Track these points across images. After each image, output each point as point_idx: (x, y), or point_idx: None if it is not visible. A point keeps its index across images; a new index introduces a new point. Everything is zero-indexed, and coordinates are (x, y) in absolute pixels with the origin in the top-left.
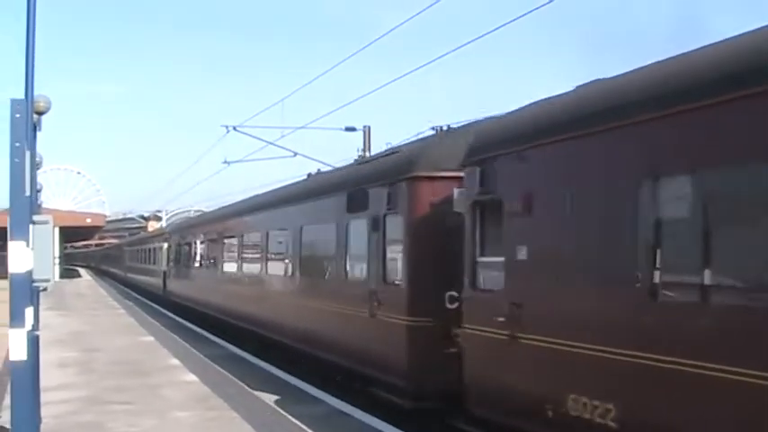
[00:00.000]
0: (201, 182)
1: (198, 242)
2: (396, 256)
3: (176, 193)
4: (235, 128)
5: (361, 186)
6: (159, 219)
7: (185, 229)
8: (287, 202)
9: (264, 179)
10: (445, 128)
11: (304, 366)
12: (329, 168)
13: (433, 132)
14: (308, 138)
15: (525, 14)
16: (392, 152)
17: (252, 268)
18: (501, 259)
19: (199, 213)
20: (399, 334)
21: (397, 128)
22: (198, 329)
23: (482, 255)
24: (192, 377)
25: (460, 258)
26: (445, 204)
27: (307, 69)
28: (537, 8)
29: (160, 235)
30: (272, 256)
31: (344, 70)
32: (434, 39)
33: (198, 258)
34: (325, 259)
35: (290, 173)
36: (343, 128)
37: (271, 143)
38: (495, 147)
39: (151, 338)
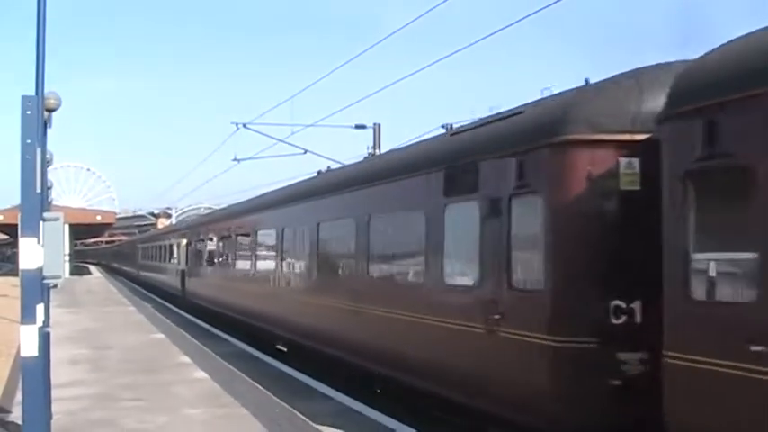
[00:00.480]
0: (211, 179)
1: (226, 238)
2: (529, 252)
3: (186, 190)
4: (245, 125)
5: (468, 160)
6: (169, 216)
7: (208, 224)
8: (348, 186)
9: (274, 177)
10: (456, 125)
11: (314, 364)
12: (339, 166)
13: (444, 131)
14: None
15: (533, 14)
16: (513, 113)
17: (297, 268)
18: (748, 256)
19: (209, 211)
20: (537, 358)
21: (407, 126)
22: (208, 327)
23: (702, 250)
24: (203, 374)
25: (633, 254)
26: (608, 180)
27: (317, 67)
28: (544, 8)
29: (177, 230)
30: (326, 252)
31: (354, 68)
32: (444, 36)
33: (226, 256)
34: (407, 257)
35: (300, 170)
36: (353, 125)
37: (281, 140)
38: (741, 85)
39: (162, 336)
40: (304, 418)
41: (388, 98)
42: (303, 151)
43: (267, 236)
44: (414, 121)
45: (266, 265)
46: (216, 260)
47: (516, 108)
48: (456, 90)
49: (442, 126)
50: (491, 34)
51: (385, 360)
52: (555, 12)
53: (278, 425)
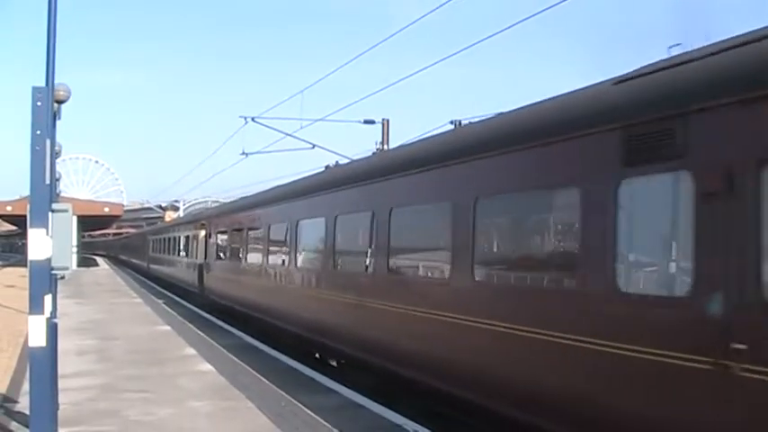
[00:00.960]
0: (219, 173)
1: (256, 228)
2: None
3: (194, 183)
4: (253, 119)
5: (668, 113)
6: (176, 209)
7: (233, 213)
8: (442, 160)
9: (282, 171)
10: (465, 123)
11: (318, 357)
12: (347, 161)
13: (452, 127)
14: (326, 130)
15: (539, 13)
16: (756, 38)
17: (357, 266)
18: None
19: (217, 204)
20: None
21: (416, 122)
22: (214, 320)
23: None
24: (208, 367)
25: None
26: None
27: (327, 61)
28: (550, 7)
29: (195, 221)
30: (401, 245)
31: (364, 63)
32: (454, 32)
33: (258, 250)
34: (548, 255)
35: (308, 165)
36: (362, 120)
37: (289, 135)
38: None
39: (168, 328)
40: (308, 411)
41: (397, 94)
42: (311, 146)
43: (311, 228)
44: (422, 118)
45: (312, 261)
46: (242, 254)
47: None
48: (464, 87)
49: (451, 122)
50: (498, 33)
51: (510, 398)
52: (560, 11)
53: (283, 418)
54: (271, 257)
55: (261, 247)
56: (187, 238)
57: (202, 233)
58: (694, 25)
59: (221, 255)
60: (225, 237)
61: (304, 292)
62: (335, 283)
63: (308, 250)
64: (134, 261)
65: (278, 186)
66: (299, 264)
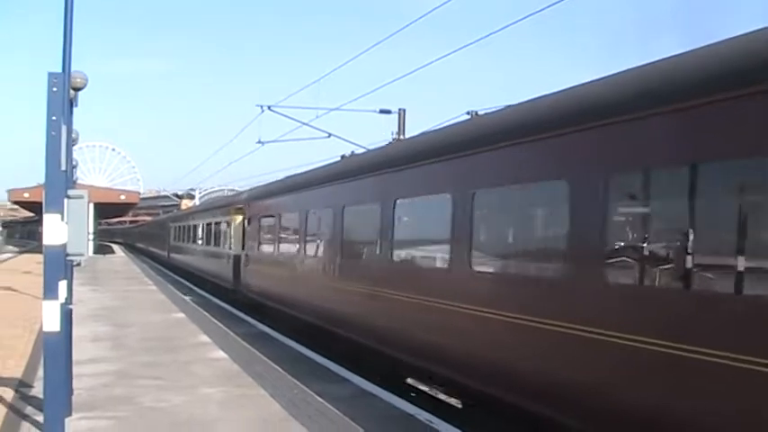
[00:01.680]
0: (235, 161)
1: (311, 213)
2: None
3: (210, 172)
4: (270, 107)
5: None
6: (193, 197)
7: (285, 193)
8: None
9: (297, 160)
10: (481, 113)
11: (331, 346)
12: (363, 150)
13: (468, 117)
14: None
15: (551, 6)
16: None
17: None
18: None
19: (233, 193)
20: None
21: (431, 112)
22: (228, 307)
23: None
24: (222, 354)
25: None
26: None
27: (343, 51)
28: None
29: (228, 205)
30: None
31: (381, 52)
32: (471, 22)
33: (320, 240)
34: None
35: (324, 154)
36: (378, 110)
37: (305, 124)
38: None
39: (182, 315)
40: (320, 399)
41: (414, 84)
42: (327, 135)
43: (408, 211)
44: (439, 107)
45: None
46: (299, 245)
47: None
48: (479, 78)
49: (467, 113)
50: (513, 23)
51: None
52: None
53: (296, 406)
54: (349, 249)
55: (329, 236)
56: (218, 224)
57: (238, 219)
58: (700, 19)
59: (267, 245)
60: (271, 223)
61: (416, 302)
62: (493, 289)
63: (418, 240)
64: (153, 250)
65: (358, 155)
66: (399, 258)
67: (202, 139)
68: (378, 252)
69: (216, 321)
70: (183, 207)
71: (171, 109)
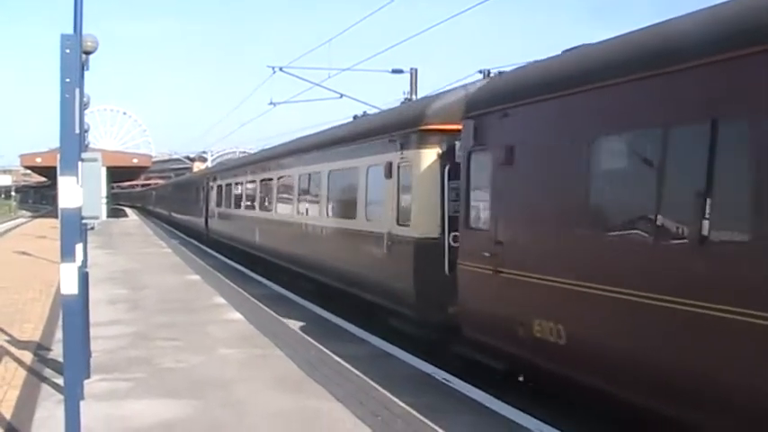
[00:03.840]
0: (246, 123)
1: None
2: None
3: (222, 134)
4: (281, 68)
5: None
6: (204, 160)
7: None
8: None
9: (309, 121)
10: (494, 72)
11: (348, 307)
12: (376, 111)
13: (480, 77)
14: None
15: None
16: None
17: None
18: None
19: (244, 155)
20: None
21: (444, 71)
22: (243, 269)
23: None
24: (238, 315)
25: None
26: None
27: (354, 10)
28: None
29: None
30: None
31: (392, 11)
32: None
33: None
34: None
35: (336, 115)
36: (390, 70)
37: (317, 84)
38: None
39: (197, 277)
40: (338, 359)
41: (426, 43)
42: (339, 95)
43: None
44: (451, 67)
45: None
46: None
47: None
48: (492, 37)
49: (479, 71)
50: None
51: None
52: None
53: (313, 366)
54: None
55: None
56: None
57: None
58: None
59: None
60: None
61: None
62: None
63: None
64: (179, 218)
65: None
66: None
67: (214, 102)
68: None
69: (231, 283)
70: (195, 169)
71: (182, 72)
